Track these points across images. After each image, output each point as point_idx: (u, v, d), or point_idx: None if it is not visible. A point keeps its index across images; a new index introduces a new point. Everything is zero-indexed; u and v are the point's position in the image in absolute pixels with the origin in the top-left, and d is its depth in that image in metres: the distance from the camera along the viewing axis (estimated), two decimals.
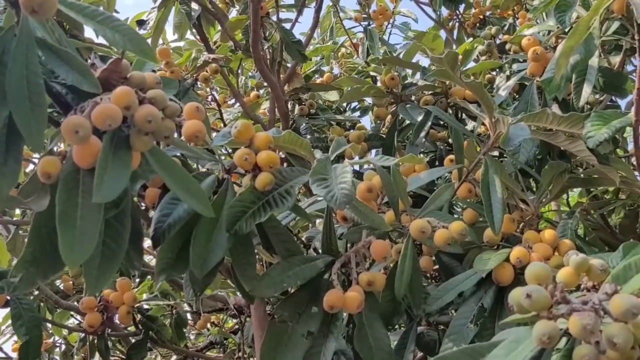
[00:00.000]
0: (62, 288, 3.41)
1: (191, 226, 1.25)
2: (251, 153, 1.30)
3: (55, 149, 1.07)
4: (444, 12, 4.03)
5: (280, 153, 1.53)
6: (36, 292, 2.85)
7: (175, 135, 1.41)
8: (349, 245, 1.61)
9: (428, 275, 2.02)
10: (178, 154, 1.40)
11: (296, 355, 1.32)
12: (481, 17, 3.74)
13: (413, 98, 2.41)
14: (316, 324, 1.35)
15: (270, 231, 1.41)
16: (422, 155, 2.51)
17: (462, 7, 3.98)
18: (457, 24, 4.09)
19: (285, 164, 1.49)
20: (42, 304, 3.14)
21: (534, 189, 2.16)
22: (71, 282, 3.34)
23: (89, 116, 0.95)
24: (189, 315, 3.31)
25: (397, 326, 2.04)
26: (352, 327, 1.42)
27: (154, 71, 1.25)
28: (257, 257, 1.48)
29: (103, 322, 2.09)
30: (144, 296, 2.64)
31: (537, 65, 1.88)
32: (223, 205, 1.29)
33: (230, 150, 1.85)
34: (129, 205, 1.06)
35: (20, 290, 1.01)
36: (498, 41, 2.67)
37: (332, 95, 2.97)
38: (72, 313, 3.22)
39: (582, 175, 1.85)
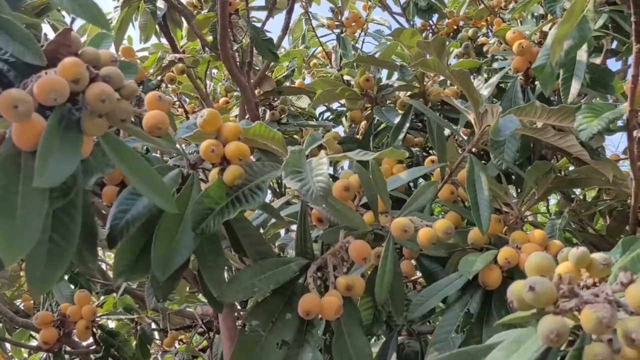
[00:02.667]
0: (22, 307, 3.25)
1: (153, 224, 1.13)
2: (219, 144, 1.19)
3: None
4: (418, 22, 4.00)
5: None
6: None
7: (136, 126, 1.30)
8: (325, 248, 1.50)
9: (409, 282, 1.92)
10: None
11: None
12: (455, 27, 3.70)
13: (389, 101, 2.33)
14: (291, 332, 1.24)
15: (240, 232, 1.30)
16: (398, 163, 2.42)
17: (435, 18, 3.95)
18: (430, 35, 4.05)
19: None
20: (0, 324, 2.98)
21: (516, 195, 2.09)
22: (32, 302, 3.17)
23: (32, 91, 0.83)
24: (156, 334, 3.16)
25: (375, 337, 1.93)
26: (330, 336, 1.30)
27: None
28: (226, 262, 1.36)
29: (59, 338, 1.94)
30: None
31: (522, 59, 1.81)
32: (188, 201, 1.17)
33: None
34: (80, 198, 0.94)
35: None
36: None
37: (304, 102, 2.88)
38: (32, 333, 3.06)
39: (568, 175, 1.77)
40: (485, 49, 2.44)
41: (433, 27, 4.04)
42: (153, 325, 3.08)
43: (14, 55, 0.85)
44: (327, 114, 3.29)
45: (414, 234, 1.32)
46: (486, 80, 2.16)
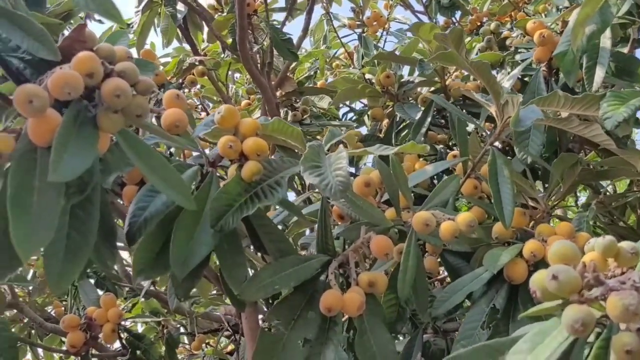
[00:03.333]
0: (53, 314, 3.29)
1: (172, 222, 1.13)
2: (236, 140, 1.18)
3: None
4: (440, 20, 3.96)
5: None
6: (26, 320, 2.73)
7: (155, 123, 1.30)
8: (347, 245, 1.48)
9: (433, 279, 1.89)
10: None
11: None
12: (478, 23, 3.65)
13: (411, 98, 2.31)
14: (313, 330, 1.22)
15: (260, 230, 1.29)
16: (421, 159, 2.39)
17: (458, 15, 3.91)
18: None
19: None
20: (32, 330, 3.01)
21: (542, 190, 2.05)
22: (62, 308, 3.20)
23: (47, 87, 0.83)
24: (185, 338, 3.17)
25: (401, 336, 1.90)
26: (353, 334, 1.29)
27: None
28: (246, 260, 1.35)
29: (86, 341, 1.95)
30: None
31: (544, 49, 1.77)
32: (207, 198, 1.17)
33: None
34: (97, 195, 0.94)
35: None
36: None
37: (326, 103, 2.87)
38: (62, 338, 3.09)
39: (595, 167, 1.73)
40: (508, 42, 2.40)
41: (456, 24, 4.00)
42: (181, 329, 3.10)
43: (29, 51, 0.85)
44: (350, 115, 3.28)
45: (436, 229, 1.29)
46: (509, 74, 2.12)
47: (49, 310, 3.39)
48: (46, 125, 0.82)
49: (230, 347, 3.02)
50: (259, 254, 1.40)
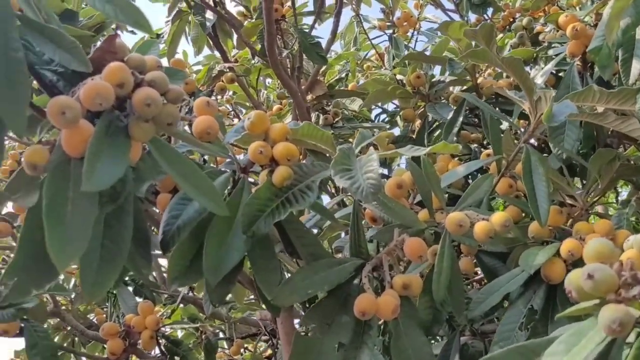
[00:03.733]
0: (95, 321, 3.34)
1: (205, 229, 1.14)
2: (266, 146, 1.19)
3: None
4: (472, 17, 3.91)
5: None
6: (69, 328, 2.79)
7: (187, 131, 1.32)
8: (381, 248, 1.48)
9: (473, 282, 1.87)
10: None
11: None
12: (511, 20, 3.59)
13: (442, 98, 2.29)
14: (348, 334, 1.22)
15: (293, 234, 1.29)
16: (455, 159, 2.37)
17: (490, 12, 3.86)
18: None
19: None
20: (75, 338, 3.07)
21: (581, 187, 2.00)
22: (104, 315, 3.26)
23: (79, 98, 0.85)
24: (224, 343, 3.19)
25: (438, 339, 1.88)
26: (389, 337, 1.28)
27: None
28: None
29: (126, 348, 1.98)
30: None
31: (577, 43, 1.73)
32: (239, 205, 1.17)
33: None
34: (130, 204, 0.95)
35: (11, 300, 0.90)
36: None
37: (357, 105, 2.86)
38: (104, 345, 3.14)
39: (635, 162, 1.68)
40: (541, 37, 2.36)
41: (488, 21, 3.95)
42: (221, 335, 3.12)
43: (61, 63, 0.87)
44: (382, 116, 3.26)
45: (470, 229, 1.28)
46: (542, 69, 2.09)
47: (91, 318, 3.46)
48: (79, 136, 0.84)
49: (269, 351, 3.03)
50: (293, 259, 1.40)
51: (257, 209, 1.14)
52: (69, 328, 2.81)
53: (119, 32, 2.54)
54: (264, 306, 1.66)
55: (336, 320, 1.23)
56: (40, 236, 0.84)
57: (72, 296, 3.16)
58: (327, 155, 1.37)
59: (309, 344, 1.20)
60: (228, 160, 1.32)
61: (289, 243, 1.29)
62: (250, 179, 1.29)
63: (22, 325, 1.69)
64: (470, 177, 2.09)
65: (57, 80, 0.94)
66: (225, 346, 3.23)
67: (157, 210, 1.32)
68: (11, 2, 0.82)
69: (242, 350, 2.95)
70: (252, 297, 2.66)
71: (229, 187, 1.25)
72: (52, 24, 0.91)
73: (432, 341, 1.84)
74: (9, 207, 2.23)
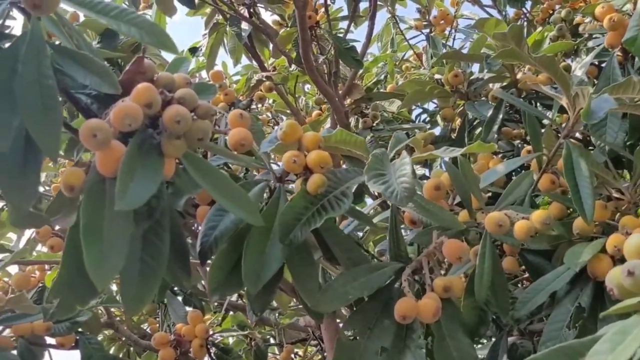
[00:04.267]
0: (149, 331, 3.42)
1: (243, 239, 1.16)
2: (300, 154, 1.19)
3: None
4: (510, 12, 3.84)
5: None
6: (124, 338, 2.86)
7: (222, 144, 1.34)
8: (420, 250, 1.47)
9: (518, 279, 1.83)
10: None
11: None
12: (551, 12, 3.52)
13: (482, 96, 2.26)
14: (390, 338, 1.21)
15: (331, 241, 1.29)
16: (499, 156, 2.33)
17: (528, 5, 3.78)
18: (525, 23, 3.88)
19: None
20: (131, 348, 3.15)
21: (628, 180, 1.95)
22: (157, 325, 3.33)
23: (110, 120, 0.87)
24: (276, 349, 3.22)
25: (486, 339, 1.85)
26: (432, 340, 1.27)
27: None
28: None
29: (177, 357, 2.02)
30: None
31: (615, 34, 1.68)
32: (275, 214, 1.18)
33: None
34: (167, 219, 0.97)
35: (57, 317, 0.93)
36: None
37: (396, 106, 2.84)
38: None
39: None
40: (581, 28, 2.31)
41: (527, 14, 3.87)
42: (271, 341, 3.15)
43: (93, 87, 0.89)
44: (423, 116, 3.24)
45: (511, 229, 1.26)
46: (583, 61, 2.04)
47: (144, 328, 3.54)
48: (112, 157, 0.86)
49: (318, 356, 3.04)
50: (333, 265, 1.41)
51: (293, 218, 1.15)
52: (123, 339, 2.88)
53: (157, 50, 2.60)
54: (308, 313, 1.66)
55: (378, 325, 1.22)
56: (81, 254, 0.87)
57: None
58: (364, 160, 1.37)
59: (351, 349, 1.20)
60: (264, 170, 1.34)
61: (327, 249, 1.29)
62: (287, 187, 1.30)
63: (77, 338, 1.74)
64: (513, 174, 2.05)
65: (92, 103, 0.97)
66: (276, 352, 3.26)
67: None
68: (43, 31, 0.86)
69: (292, 355, 2.97)
70: (299, 304, 2.68)
71: (265, 197, 1.26)
72: (84, 49, 0.94)
73: (479, 342, 1.81)
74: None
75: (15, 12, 0.92)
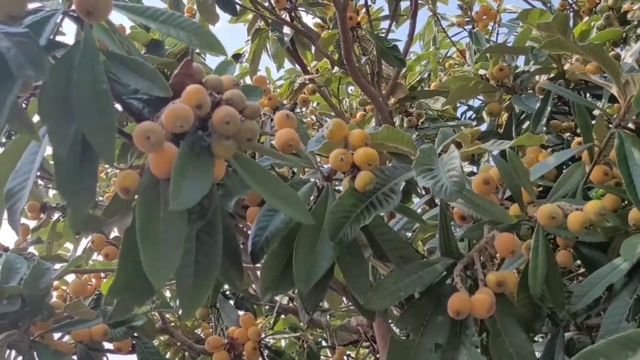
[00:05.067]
0: (202, 336, 3.47)
1: (294, 239, 1.16)
2: (347, 152, 1.20)
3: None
4: (555, 2, 3.77)
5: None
6: (179, 343, 2.91)
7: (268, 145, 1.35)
8: (471, 246, 1.45)
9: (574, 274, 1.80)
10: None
11: None
12: (597, 1, 3.44)
13: (529, 88, 2.22)
14: (444, 334, 1.20)
15: (380, 238, 1.29)
16: (548, 149, 2.29)
17: None
18: (571, 14, 3.80)
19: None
20: (186, 353, 3.20)
21: None
22: (210, 330, 3.38)
23: (162, 122, 0.89)
24: (327, 352, 3.22)
25: (539, 337, 1.82)
26: (487, 336, 1.25)
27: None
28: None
29: None
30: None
31: None
32: (324, 213, 1.19)
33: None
34: (219, 219, 0.99)
35: (116, 318, 0.96)
36: None
37: (440, 104, 2.82)
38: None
39: None
40: (629, 16, 2.25)
41: (573, 4, 3.79)
42: (322, 343, 3.15)
43: (144, 91, 0.92)
44: (469, 113, 3.20)
45: (564, 221, 1.23)
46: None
47: (198, 333, 3.59)
48: (165, 158, 0.88)
49: (371, 358, 3.03)
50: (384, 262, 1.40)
51: (342, 216, 1.15)
52: (178, 344, 2.93)
53: (202, 55, 2.65)
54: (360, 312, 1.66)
55: (430, 322, 1.22)
56: (137, 255, 0.89)
57: (180, 312, 3.29)
58: (409, 156, 1.36)
59: (405, 346, 1.19)
60: (312, 170, 1.35)
61: (377, 247, 1.29)
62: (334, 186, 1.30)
63: (134, 342, 1.78)
64: (564, 167, 2.01)
65: (143, 108, 0.99)
66: (328, 354, 3.26)
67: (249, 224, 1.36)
68: (95, 39, 0.88)
69: (344, 357, 2.97)
70: (350, 305, 2.68)
71: (313, 196, 1.27)
72: (134, 55, 0.97)
73: (536, 339, 1.78)
74: (115, 232, 2.37)
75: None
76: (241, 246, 1.17)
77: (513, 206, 1.42)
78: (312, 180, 1.27)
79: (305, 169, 1.49)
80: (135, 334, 1.72)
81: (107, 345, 1.75)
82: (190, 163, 0.89)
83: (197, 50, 2.42)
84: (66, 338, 1.66)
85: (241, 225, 1.39)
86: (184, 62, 0.97)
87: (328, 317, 2.74)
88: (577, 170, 1.39)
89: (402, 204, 1.39)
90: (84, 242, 2.85)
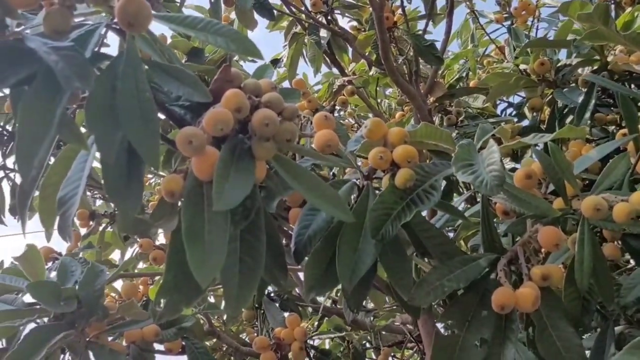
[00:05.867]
0: (247, 340, 3.51)
1: (336, 238, 1.18)
2: (386, 151, 1.21)
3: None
4: None
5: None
6: (225, 347, 2.95)
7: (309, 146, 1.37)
8: (515, 241, 1.44)
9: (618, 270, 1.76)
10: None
11: None
12: None
13: (571, 82, 2.19)
14: (489, 329, 1.20)
15: (422, 235, 1.29)
16: (592, 144, 2.25)
17: None
18: (613, 6, 3.73)
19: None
20: (232, 357, 3.24)
21: None
22: (255, 334, 3.42)
23: (203, 127, 0.92)
24: (372, 354, 3.22)
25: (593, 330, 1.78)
26: (533, 330, 1.24)
27: None
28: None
29: None
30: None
31: None
32: (365, 211, 1.20)
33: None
34: (262, 220, 1.01)
35: (165, 318, 0.99)
36: None
37: (480, 102, 2.80)
38: None
39: None
40: None
41: None
42: (367, 345, 3.15)
43: (185, 97, 0.95)
44: (509, 110, 3.16)
45: (610, 213, 1.21)
46: None
47: (243, 337, 3.63)
48: (207, 161, 0.91)
49: (416, 358, 3.02)
50: (426, 259, 1.41)
51: (383, 213, 1.16)
52: (224, 347, 2.97)
53: (242, 62, 2.69)
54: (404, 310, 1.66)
55: (475, 317, 1.21)
56: (184, 257, 0.92)
57: (225, 317, 3.35)
58: (449, 154, 1.36)
59: (450, 342, 1.19)
60: (352, 170, 1.36)
61: (419, 244, 1.29)
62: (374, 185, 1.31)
63: (184, 343, 1.82)
64: (609, 160, 1.98)
65: (185, 114, 1.03)
66: (373, 356, 3.26)
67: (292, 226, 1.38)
68: (137, 49, 0.91)
69: (389, 358, 2.96)
70: (394, 305, 2.68)
71: (354, 196, 1.28)
72: (174, 63, 1.00)
73: (585, 334, 1.75)
74: (161, 239, 2.42)
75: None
76: (285, 247, 1.19)
77: (557, 200, 1.40)
78: (352, 180, 1.29)
79: (346, 171, 1.51)
80: (185, 335, 1.76)
81: (158, 347, 1.79)
82: (232, 165, 0.92)
83: (236, 58, 2.45)
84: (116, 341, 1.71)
85: (285, 228, 1.41)
86: (222, 68, 1.00)
87: (372, 318, 2.74)
88: (621, 162, 1.36)
89: (443, 201, 1.39)
90: (130, 251, 2.93)
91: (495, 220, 1.42)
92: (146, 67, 0.94)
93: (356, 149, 1.30)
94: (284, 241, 1.28)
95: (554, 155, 1.31)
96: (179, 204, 0.96)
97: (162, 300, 0.98)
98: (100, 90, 0.88)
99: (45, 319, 1.43)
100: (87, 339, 1.44)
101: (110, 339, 1.53)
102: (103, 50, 0.99)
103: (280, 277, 1.11)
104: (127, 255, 2.91)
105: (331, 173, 2.21)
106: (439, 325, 1.81)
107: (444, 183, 1.53)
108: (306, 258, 1.19)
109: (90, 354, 1.45)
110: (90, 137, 0.98)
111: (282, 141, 0.99)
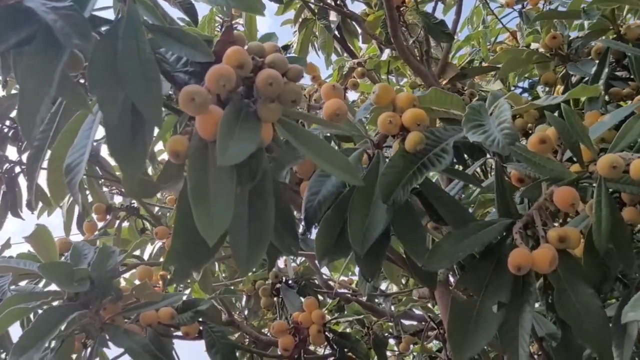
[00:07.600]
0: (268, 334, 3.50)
1: (347, 205, 1.17)
2: (395, 115, 1.19)
3: None
4: None
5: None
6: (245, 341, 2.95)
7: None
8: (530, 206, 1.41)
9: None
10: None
11: (489, 332, 1.15)
12: None
13: (584, 55, 2.15)
14: (506, 293, 1.17)
15: (436, 202, 1.27)
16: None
17: None
18: None
19: None
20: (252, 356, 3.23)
21: None
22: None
23: (206, 86, 0.91)
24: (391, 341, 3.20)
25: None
26: (551, 294, 1.22)
27: None
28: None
29: (297, 344, 2.05)
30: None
31: None
32: (376, 178, 1.18)
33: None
34: (269, 183, 1.00)
35: (176, 282, 0.98)
36: None
37: (496, 86, 2.76)
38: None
39: None
40: None
41: None
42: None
43: (188, 58, 0.94)
44: (524, 95, 3.13)
45: (626, 171, 1.18)
46: None
47: (265, 332, 3.62)
48: (211, 120, 0.90)
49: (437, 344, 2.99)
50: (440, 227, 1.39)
51: (393, 178, 1.15)
52: (246, 341, 2.96)
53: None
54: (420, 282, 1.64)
55: (492, 281, 1.19)
56: (191, 222, 0.91)
57: (246, 312, 3.34)
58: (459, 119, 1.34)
59: (467, 307, 1.17)
60: (362, 140, 1.34)
61: (433, 211, 1.28)
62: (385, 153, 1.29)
63: (201, 327, 1.81)
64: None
65: (189, 79, 1.02)
66: (394, 347, 3.23)
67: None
68: (138, 11, 0.91)
69: (410, 346, 2.94)
70: (412, 288, 2.65)
71: (365, 164, 1.27)
72: (175, 26, 0.99)
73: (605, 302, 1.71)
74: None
75: None
76: (297, 220, 1.18)
77: (574, 166, 1.37)
78: (362, 148, 1.27)
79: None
80: (202, 320, 1.75)
81: (175, 333, 1.78)
82: (237, 125, 0.90)
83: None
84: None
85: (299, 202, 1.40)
86: (225, 29, 0.99)
87: (390, 306, 2.72)
88: (637, 122, 1.32)
89: (455, 169, 1.37)
90: (149, 249, 2.93)
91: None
92: (149, 35, 0.93)
93: (366, 116, 1.28)
94: (296, 214, 1.27)
95: (568, 119, 1.28)
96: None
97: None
98: (102, 53, 0.88)
99: (60, 302, 1.43)
100: (103, 322, 1.44)
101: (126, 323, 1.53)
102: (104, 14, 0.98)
103: (290, 244, 1.10)
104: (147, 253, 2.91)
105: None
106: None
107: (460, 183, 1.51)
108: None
109: (107, 337, 1.45)
110: (95, 106, 0.98)
111: (287, 102, 0.97)
